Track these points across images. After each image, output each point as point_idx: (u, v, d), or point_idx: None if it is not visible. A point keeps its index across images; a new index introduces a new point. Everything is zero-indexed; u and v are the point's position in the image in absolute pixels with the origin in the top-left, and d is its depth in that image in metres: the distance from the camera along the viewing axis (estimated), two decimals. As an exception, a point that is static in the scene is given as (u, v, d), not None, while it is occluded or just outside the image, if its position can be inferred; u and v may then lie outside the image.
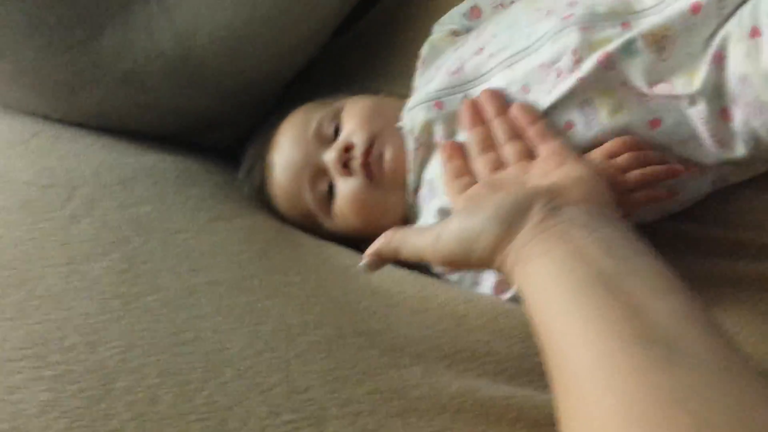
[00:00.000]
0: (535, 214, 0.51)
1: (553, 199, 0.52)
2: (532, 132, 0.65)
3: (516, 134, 0.66)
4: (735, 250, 0.70)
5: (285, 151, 0.87)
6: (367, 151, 0.81)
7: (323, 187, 0.84)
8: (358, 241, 0.86)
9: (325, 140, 0.85)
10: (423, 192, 0.80)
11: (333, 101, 0.88)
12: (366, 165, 0.80)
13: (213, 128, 1.01)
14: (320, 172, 0.84)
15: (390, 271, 0.76)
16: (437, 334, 0.68)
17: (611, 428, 0.36)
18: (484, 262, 0.53)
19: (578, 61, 0.66)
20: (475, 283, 0.77)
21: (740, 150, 0.65)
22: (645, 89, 0.66)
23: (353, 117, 0.84)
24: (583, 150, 0.66)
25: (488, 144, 0.67)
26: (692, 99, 0.65)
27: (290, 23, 0.94)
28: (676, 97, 0.65)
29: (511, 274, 0.51)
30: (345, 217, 0.84)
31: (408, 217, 0.83)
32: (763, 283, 0.68)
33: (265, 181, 0.89)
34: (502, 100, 0.69)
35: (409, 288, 0.73)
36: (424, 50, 0.87)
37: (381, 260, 0.62)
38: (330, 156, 0.83)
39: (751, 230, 0.70)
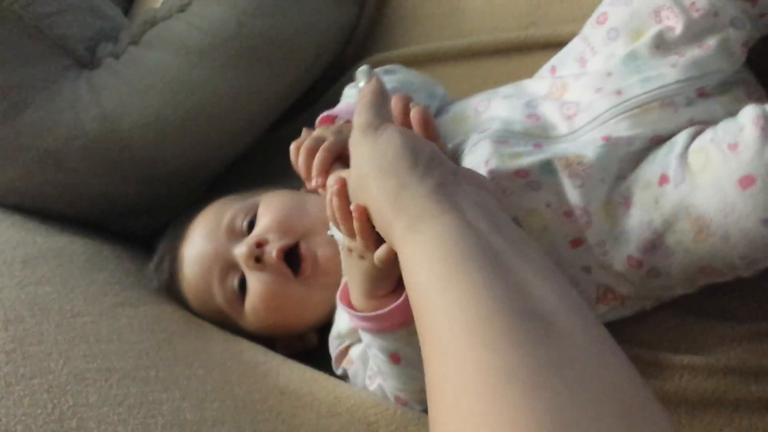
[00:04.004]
0: (438, 174, 0.52)
1: (456, 172, 0.54)
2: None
3: None
4: (651, 370, 0.69)
5: (195, 245, 0.84)
6: (285, 247, 0.78)
7: (233, 282, 0.81)
8: (272, 341, 0.82)
9: (238, 234, 0.82)
10: None
11: (250, 195, 0.86)
12: (282, 259, 0.78)
13: (132, 215, 0.98)
14: (230, 267, 0.81)
15: (300, 372, 0.72)
16: (344, 440, 0.64)
17: (487, 386, 0.38)
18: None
19: (491, 171, 0.66)
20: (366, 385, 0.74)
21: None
22: (567, 210, 0.66)
23: (269, 212, 0.82)
24: None
25: None
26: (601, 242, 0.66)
27: (221, 116, 0.93)
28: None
29: (402, 218, 0.51)
30: (257, 313, 0.80)
31: (330, 318, 0.81)
32: (678, 402, 0.66)
33: (174, 275, 0.85)
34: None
35: (318, 389, 0.70)
36: None
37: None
38: (241, 250, 0.79)
39: (667, 350, 0.69)
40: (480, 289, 0.43)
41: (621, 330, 0.69)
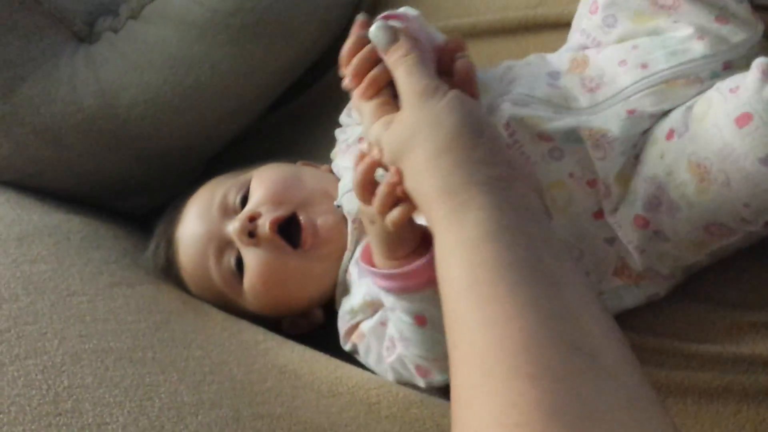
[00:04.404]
0: (499, 164, 0.48)
1: (513, 165, 0.49)
2: None
3: None
4: (659, 358, 0.68)
5: (189, 226, 0.81)
6: (278, 219, 0.75)
7: (229, 260, 0.78)
8: (276, 322, 0.81)
9: (231, 211, 0.79)
10: (354, 269, 0.76)
11: (244, 172, 0.83)
12: (276, 231, 0.75)
13: (129, 194, 0.96)
14: (226, 245, 0.78)
15: (301, 351, 0.71)
16: (345, 422, 0.63)
17: (529, 421, 0.36)
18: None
19: (512, 134, 0.65)
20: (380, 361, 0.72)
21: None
22: (591, 179, 0.65)
23: (262, 185, 0.79)
24: None
25: None
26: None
27: (220, 93, 0.92)
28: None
29: (455, 194, 0.47)
30: (256, 291, 0.77)
31: (333, 294, 0.79)
32: (685, 392, 0.65)
33: (171, 259, 0.82)
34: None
35: (319, 369, 0.69)
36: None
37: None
38: (233, 226, 0.77)
39: (676, 339, 0.68)
40: (526, 309, 0.40)
41: (630, 317, 0.68)
